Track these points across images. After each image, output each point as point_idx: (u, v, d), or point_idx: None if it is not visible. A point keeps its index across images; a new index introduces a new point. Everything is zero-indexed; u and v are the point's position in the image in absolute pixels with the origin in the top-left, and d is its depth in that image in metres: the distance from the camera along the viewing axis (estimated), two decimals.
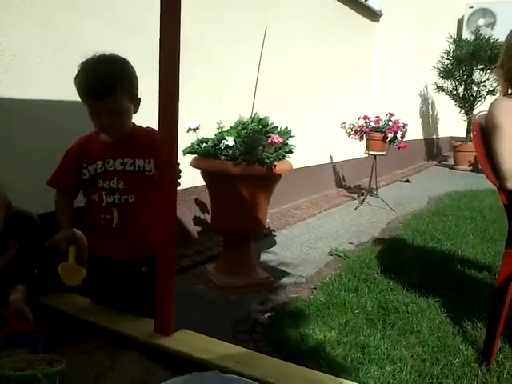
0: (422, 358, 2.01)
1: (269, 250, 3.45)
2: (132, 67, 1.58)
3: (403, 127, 4.76)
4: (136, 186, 1.60)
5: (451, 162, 9.06)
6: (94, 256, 1.69)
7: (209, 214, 3.49)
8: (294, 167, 2.76)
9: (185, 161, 2.33)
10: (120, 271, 1.67)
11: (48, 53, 2.34)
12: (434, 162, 9.42)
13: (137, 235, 1.64)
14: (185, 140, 2.60)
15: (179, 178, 1.55)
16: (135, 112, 1.62)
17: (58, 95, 2.39)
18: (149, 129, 1.64)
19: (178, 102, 1.47)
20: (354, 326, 2.24)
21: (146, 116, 1.66)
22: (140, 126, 1.67)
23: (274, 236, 3.79)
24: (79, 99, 2.23)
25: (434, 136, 10.15)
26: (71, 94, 2.42)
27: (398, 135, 4.73)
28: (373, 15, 6.39)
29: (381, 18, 6.55)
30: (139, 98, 1.61)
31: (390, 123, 4.77)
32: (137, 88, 1.59)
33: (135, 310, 1.66)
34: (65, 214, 1.65)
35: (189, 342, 1.46)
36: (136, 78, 1.59)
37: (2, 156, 2.17)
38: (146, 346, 1.45)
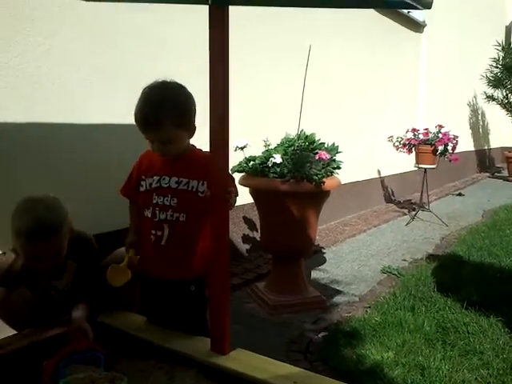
0: (487, 382, 1.90)
1: (319, 267, 3.40)
2: (187, 95, 1.62)
3: (454, 139, 4.63)
4: (188, 205, 1.64)
5: (505, 173, 8.70)
6: (143, 277, 1.74)
7: (257, 231, 3.50)
8: (341, 183, 2.73)
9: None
10: (168, 291, 1.69)
11: (99, 77, 2.44)
12: (487, 174, 9.07)
13: (184, 255, 1.66)
14: (233, 159, 2.63)
15: (237, 195, 1.57)
16: (190, 137, 1.67)
17: (111, 118, 2.48)
18: (206, 153, 1.64)
19: (228, 123, 1.50)
20: (412, 347, 2.16)
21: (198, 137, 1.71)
22: (200, 150, 1.72)
23: (324, 253, 3.74)
24: (128, 121, 2.34)
25: (486, 147, 9.79)
26: (121, 117, 2.52)
27: (449, 147, 4.60)
28: (416, 26, 6.30)
29: (425, 29, 6.46)
30: (194, 126, 1.64)
31: (440, 135, 4.66)
32: (189, 116, 1.62)
33: (185, 328, 1.68)
34: (132, 220, 1.76)
35: (245, 361, 1.45)
36: (189, 106, 1.62)
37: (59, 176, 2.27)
38: (202, 365, 1.45)
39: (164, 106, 1.55)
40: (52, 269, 1.67)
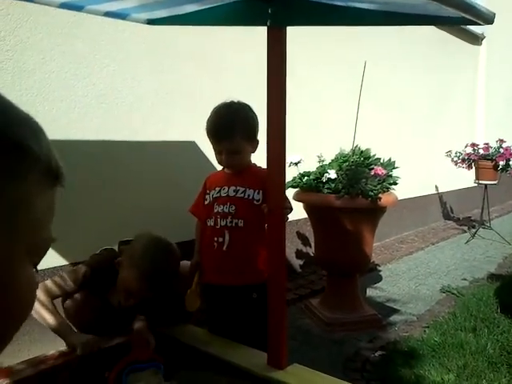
0: None
1: (375, 285, 3.33)
2: (252, 112, 1.79)
3: None
4: (245, 212, 1.75)
5: None
6: (207, 285, 1.82)
7: (311, 247, 3.49)
8: (398, 199, 2.68)
9: (287, 194, 2.37)
10: (230, 298, 1.77)
11: (160, 98, 2.55)
12: None
13: (245, 259, 1.76)
14: (287, 174, 2.65)
15: (291, 211, 1.66)
16: (253, 152, 1.82)
17: (170, 137, 2.58)
18: (263, 168, 1.75)
19: (285, 139, 1.53)
20: (474, 369, 2.07)
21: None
22: (259, 167, 1.83)
23: (379, 271, 3.66)
24: (188, 139, 2.47)
25: None
26: (180, 135, 2.61)
27: (511, 163, 4.41)
28: (474, 39, 6.13)
29: (483, 41, 6.27)
30: (257, 140, 1.79)
31: (501, 150, 4.48)
32: (255, 131, 1.78)
33: (247, 337, 1.71)
34: (198, 240, 1.88)
35: (302, 376, 1.45)
36: (255, 122, 1.78)
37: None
38: (259, 379, 1.46)
39: (236, 118, 1.74)
40: None
